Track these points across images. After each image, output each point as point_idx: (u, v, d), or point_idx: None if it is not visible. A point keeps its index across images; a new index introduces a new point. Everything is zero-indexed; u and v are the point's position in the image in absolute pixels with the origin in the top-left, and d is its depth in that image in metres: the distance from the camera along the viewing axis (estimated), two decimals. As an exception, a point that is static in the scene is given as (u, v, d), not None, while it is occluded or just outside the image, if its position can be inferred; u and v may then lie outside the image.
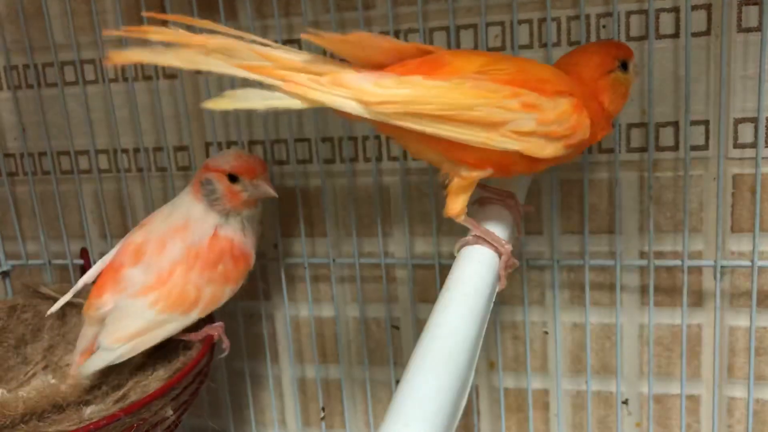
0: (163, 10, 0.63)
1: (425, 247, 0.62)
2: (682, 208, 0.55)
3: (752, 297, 0.53)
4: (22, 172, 0.72)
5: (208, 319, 0.56)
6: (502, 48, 0.57)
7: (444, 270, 0.59)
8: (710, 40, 0.52)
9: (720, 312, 0.56)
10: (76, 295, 0.56)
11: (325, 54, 0.48)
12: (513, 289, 0.61)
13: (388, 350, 0.65)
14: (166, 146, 0.65)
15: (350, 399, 0.68)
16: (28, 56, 0.67)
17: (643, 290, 0.58)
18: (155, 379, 0.52)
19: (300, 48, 0.61)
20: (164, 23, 0.63)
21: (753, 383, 0.55)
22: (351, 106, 0.38)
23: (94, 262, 0.69)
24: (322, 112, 0.61)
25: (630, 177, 0.56)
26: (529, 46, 0.56)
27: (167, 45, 0.39)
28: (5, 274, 0.72)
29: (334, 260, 0.64)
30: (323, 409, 0.70)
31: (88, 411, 0.49)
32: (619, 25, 0.53)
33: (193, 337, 0.55)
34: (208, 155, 0.66)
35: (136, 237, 0.54)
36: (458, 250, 0.41)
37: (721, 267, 0.54)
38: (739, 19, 0.52)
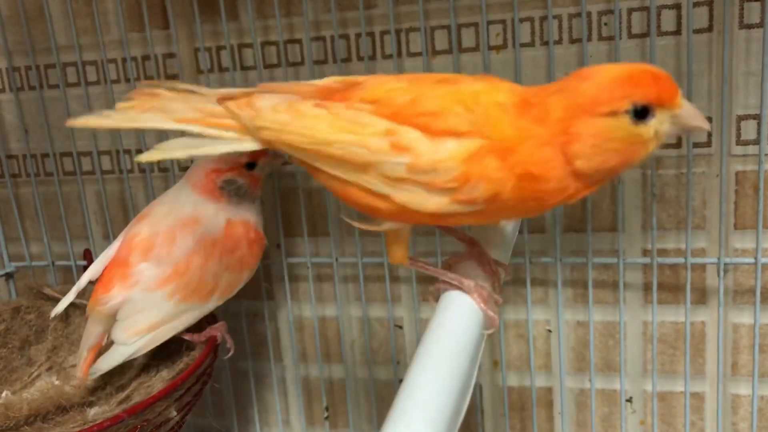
0: (164, 12, 0.63)
1: (427, 246, 0.62)
2: (685, 205, 0.55)
3: (756, 294, 0.53)
4: (25, 174, 0.72)
5: (210, 319, 0.56)
6: (504, 46, 0.57)
7: (447, 269, 0.59)
8: (712, 36, 0.52)
9: (723, 309, 0.56)
10: (79, 296, 0.56)
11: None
12: (516, 288, 0.61)
13: (391, 349, 0.65)
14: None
15: (354, 398, 0.68)
16: (30, 58, 0.67)
17: (647, 288, 0.58)
18: (159, 380, 0.52)
19: (302, 50, 0.61)
20: (166, 27, 0.63)
21: (757, 380, 0.55)
22: (248, 130, 0.37)
23: (98, 263, 0.69)
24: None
25: (633, 175, 0.56)
26: (531, 44, 0.56)
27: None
28: (9, 275, 0.72)
29: (337, 259, 0.64)
30: (327, 408, 0.70)
31: (92, 412, 0.49)
32: (620, 23, 0.53)
33: (196, 338, 0.55)
34: (210, 156, 0.66)
35: (139, 231, 0.53)
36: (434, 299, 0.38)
37: (725, 264, 0.54)
38: (741, 16, 0.52)
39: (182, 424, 0.52)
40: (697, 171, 0.55)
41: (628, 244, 0.58)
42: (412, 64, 0.58)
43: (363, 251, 0.63)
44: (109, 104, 0.66)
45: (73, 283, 0.69)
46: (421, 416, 0.29)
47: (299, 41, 0.61)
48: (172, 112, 0.39)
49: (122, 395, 0.51)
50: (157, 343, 0.51)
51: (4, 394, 0.56)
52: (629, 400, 0.61)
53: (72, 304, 0.62)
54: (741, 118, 0.53)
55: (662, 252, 0.57)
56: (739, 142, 0.54)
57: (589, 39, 0.54)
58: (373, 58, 0.59)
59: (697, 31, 0.52)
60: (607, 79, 0.31)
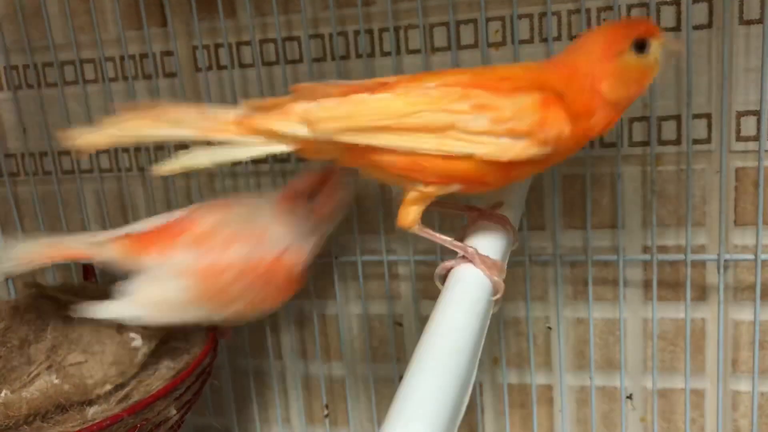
0: (162, 10, 0.63)
1: (427, 243, 0.62)
2: (685, 202, 0.55)
3: (756, 290, 0.53)
4: (23, 173, 0.72)
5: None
6: (503, 43, 0.56)
7: (446, 266, 0.59)
8: (712, 32, 0.52)
9: (724, 306, 0.56)
10: (77, 294, 0.56)
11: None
12: (516, 285, 0.61)
13: (391, 347, 0.65)
14: (167, 145, 0.65)
15: (354, 396, 0.68)
16: (27, 56, 0.66)
17: (647, 285, 0.58)
18: (158, 379, 0.52)
19: (300, 48, 0.61)
20: (164, 24, 0.63)
21: (757, 377, 0.55)
22: (299, 129, 0.39)
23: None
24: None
25: (632, 171, 0.56)
26: (530, 41, 0.56)
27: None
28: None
29: (336, 258, 0.63)
30: (327, 406, 0.70)
31: (92, 411, 0.49)
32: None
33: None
34: (209, 154, 0.66)
35: (206, 220, 0.52)
36: (438, 280, 0.41)
37: (725, 261, 0.54)
38: (741, 12, 0.51)
39: (182, 423, 0.52)
40: (697, 167, 0.55)
41: (628, 241, 0.57)
42: (410, 62, 0.58)
43: (362, 249, 0.63)
44: (107, 103, 0.66)
45: (73, 281, 0.69)
46: (420, 414, 0.29)
47: (297, 39, 0.61)
48: (186, 122, 0.41)
49: (121, 394, 0.51)
50: (149, 323, 0.50)
51: (3, 394, 0.55)
52: (629, 397, 0.61)
53: (71, 303, 0.62)
54: (741, 115, 0.53)
55: (662, 249, 0.57)
56: (739, 139, 0.54)
57: (589, 35, 0.54)
58: (371, 55, 0.59)
59: (697, 27, 0.52)
60: (608, 31, 0.41)
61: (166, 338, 0.58)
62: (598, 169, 0.57)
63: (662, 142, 0.55)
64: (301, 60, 0.61)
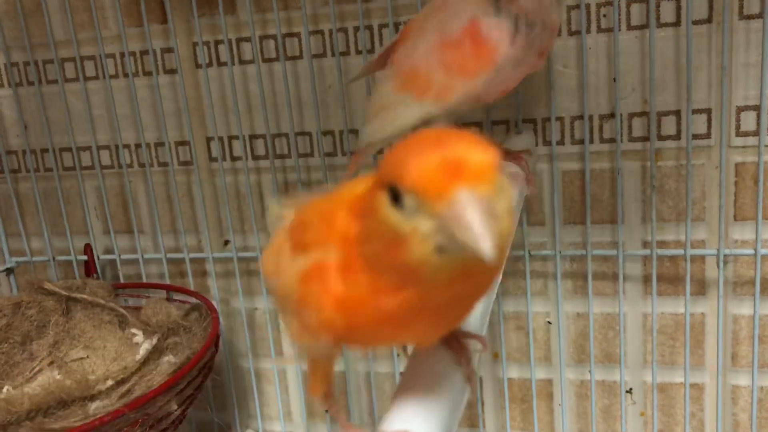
0: (162, 7, 0.63)
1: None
2: (685, 197, 0.55)
3: (755, 285, 0.53)
4: (24, 169, 0.72)
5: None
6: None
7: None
8: (712, 27, 0.52)
9: (723, 300, 0.56)
10: (78, 290, 0.57)
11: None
12: (516, 280, 0.61)
13: (391, 342, 0.65)
14: (167, 141, 0.65)
15: (355, 391, 0.69)
16: (28, 53, 0.67)
17: (646, 280, 0.58)
18: (160, 374, 0.52)
19: (300, 44, 0.61)
20: (164, 21, 0.63)
21: (757, 371, 0.55)
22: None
23: (98, 258, 0.69)
24: (324, 106, 0.61)
25: (632, 166, 0.56)
26: (530, 37, 0.56)
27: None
28: (10, 271, 0.73)
29: (336, 253, 0.63)
30: (328, 401, 0.70)
31: (93, 406, 0.49)
32: (619, 14, 0.53)
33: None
34: (209, 150, 0.66)
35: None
36: None
37: (724, 255, 0.54)
38: (741, 7, 0.51)
39: (183, 418, 0.53)
40: (697, 162, 0.55)
41: (628, 236, 0.58)
42: (410, 57, 0.58)
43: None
44: (108, 99, 0.66)
45: (74, 278, 0.69)
46: (420, 410, 0.29)
47: (297, 35, 0.61)
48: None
49: (123, 389, 0.51)
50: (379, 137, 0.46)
51: (5, 389, 0.56)
52: (629, 392, 0.62)
53: (72, 299, 0.63)
54: (741, 110, 0.53)
55: (662, 244, 0.57)
56: (738, 134, 0.54)
57: (588, 31, 0.54)
58: (371, 51, 0.59)
59: (697, 23, 0.52)
60: (385, 161, 0.25)
61: (167, 334, 0.58)
62: (598, 164, 0.57)
63: (662, 138, 0.55)
64: (301, 56, 0.61)
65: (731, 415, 0.59)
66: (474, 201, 0.22)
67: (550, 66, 0.55)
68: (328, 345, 0.28)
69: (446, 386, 0.31)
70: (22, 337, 0.62)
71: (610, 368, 0.61)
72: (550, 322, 0.62)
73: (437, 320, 0.27)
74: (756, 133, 0.53)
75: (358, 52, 0.59)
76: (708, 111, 0.54)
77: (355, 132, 0.61)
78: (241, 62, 0.63)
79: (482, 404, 0.65)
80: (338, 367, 0.68)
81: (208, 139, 0.66)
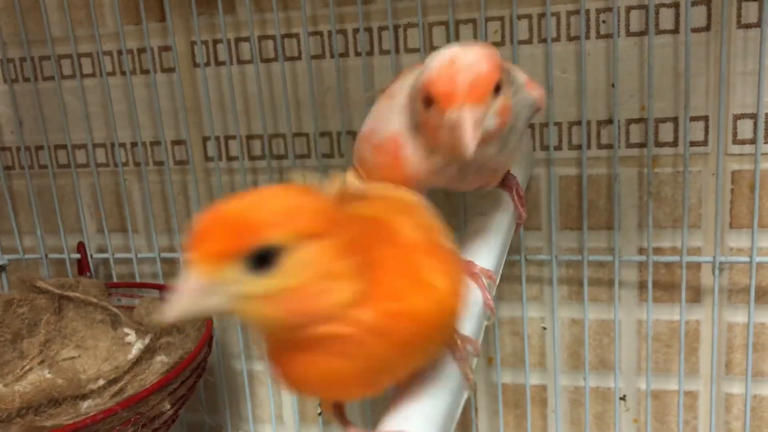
0: (161, 5, 0.62)
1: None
2: (681, 203, 0.55)
3: (750, 293, 0.53)
4: (18, 166, 0.72)
5: None
6: (502, 43, 0.56)
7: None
8: (710, 35, 0.52)
9: (718, 308, 0.56)
10: (71, 289, 0.56)
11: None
12: (512, 285, 0.61)
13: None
14: (163, 140, 0.65)
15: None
16: (24, 49, 0.66)
17: (642, 286, 0.58)
18: (152, 373, 0.52)
19: (299, 44, 0.60)
20: (162, 20, 0.63)
21: (750, 379, 0.55)
22: None
23: (91, 257, 0.69)
24: (322, 107, 0.61)
25: (629, 173, 0.56)
26: (529, 41, 0.56)
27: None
28: (1, 268, 0.72)
29: (332, 255, 0.63)
30: (320, 404, 0.70)
31: (85, 405, 0.49)
32: (619, 20, 0.53)
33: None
34: (205, 149, 0.66)
35: None
36: None
37: (720, 263, 0.54)
38: (739, 15, 0.52)
39: (175, 419, 0.52)
40: (694, 170, 0.55)
41: (624, 242, 0.58)
42: (409, 60, 0.58)
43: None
44: (104, 97, 0.65)
45: (67, 276, 0.69)
46: (418, 412, 0.29)
47: (296, 36, 0.60)
48: None
49: (115, 388, 0.50)
50: None
51: (-5, 387, 0.55)
52: (623, 398, 0.61)
53: (65, 297, 0.62)
54: (737, 117, 0.53)
55: (658, 250, 0.57)
56: (735, 141, 0.54)
57: (588, 37, 0.54)
58: (370, 53, 0.59)
59: (695, 30, 0.52)
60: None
61: (160, 333, 0.58)
62: (595, 170, 0.57)
63: (659, 144, 0.55)
64: (299, 57, 0.61)
65: (724, 423, 0.59)
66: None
67: (549, 71, 0.55)
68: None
69: (444, 387, 0.31)
70: (13, 335, 0.61)
71: (605, 375, 0.61)
72: (545, 328, 0.62)
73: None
74: (753, 141, 0.53)
75: (357, 54, 0.59)
76: (705, 118, 0.54)
77: (352, 133, 0.61)
78: (240, 62, 0.62)
79: (476, 409, 0.65)
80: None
81: (205, 139, 0.65)
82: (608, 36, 0.54)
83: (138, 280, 0.69)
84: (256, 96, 0.61)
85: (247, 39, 0.61)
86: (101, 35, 0.64)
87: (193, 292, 0.23)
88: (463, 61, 0.33)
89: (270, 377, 0.69)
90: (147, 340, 0.57)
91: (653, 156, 0.55)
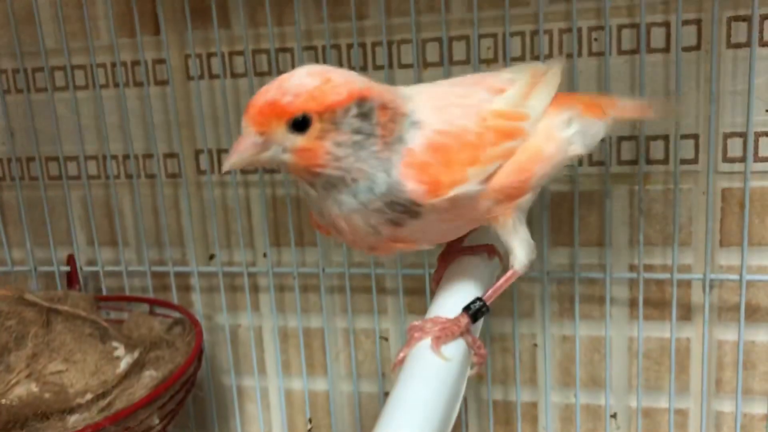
0: (155, 18, 0.63)
1: (415, 257, 0.62)
2: (672, 221, 0.55)
3: (740, 311, 0.54)
4: (9, 178, 0.71)
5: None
6: (495, 60, 0.57)
7: (434, 281, 0.59)
8: (700, 54, 0.53)
9: (709, 326, 0.56)
10: (60, 302, 0.56)
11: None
12: (503, 302, 0.61)
13: (376, 362, 0.65)
14: (156, 153, 0.65)
15: (338, 411, 0.68)
16: (18, 61, 0.66)
17: (633, 303, 0.58)
18: (141, 388, 0.51)
19: (293, 59, 0.61)
20: (157, 33, 0.63)
21: (741, 397, 0.55)
22: None
23: (81, 270, 0.69)
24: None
25: (620, 190, 0.57)
26: (521, 58, 0.56)
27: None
28: (-10, 280, 0.72)
29: (324, 270, 0.63)
30: (310, 420, 0.69)
31: (72, 419, 0.48)
32: (610, 39, 0.54)
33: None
34: (198, 163, 0.66)
35: None
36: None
37: (710, 280, 0.54)
38: (729, 35, 0.52)
39: (164, 434, 0.52)
40: (684, 187, 0.55)
41: (615, 260, 0.58)
42: (402, 76, 0.59)
43: (350, 262, 0.63)
44: (97, 109, 0.65)
45: (56, 289, 0.68)
46: (409, 424, 0.29)
47: (290, 50, 0.61)
48: None
49: (104, 402, 0.50)
50: None
51: (-19, 401, 0.55)
52: (614, 416, 0.61)
53: (53, 310, 0.61)
54: (727, 136, 0.54)
55: (648, 267, 0.57)
56: (725, 160, 0.54)
57: (579, 54, 0.55)
58: (364, 68, 0.59)
59: (686, 49, 0.53)
60: None
61: (149, 348, 0.58)
62: (587, 187, 0.57)
63: (650, 162, 0.55)
64: (293, 72, 0.61)
65: (715, 441, 0.59)
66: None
67: (541, 88, 0.55)
68: None
69: (441, 387, 0.31)
70: (0, 348, 0.60)
71: (595, 392, 0.61)
72: (536, 344, 0.62)
73: None
74: (742, 159, 0.54)
75: (351, 69, 0.60)
76: (696, 136, 0.54)
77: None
78: (233, 76, 0.63)
79: (466, 426, 0.65)
80: (323, 385, 0.68)
81: (197, 152, 0.65)
82: (600, 54, 0.55)
83: (128, 293, 0.69)
84: (249, 110, 0.61)
85: (241, 53, 0.62)
86: (95, 48, 0.64)
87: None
88: (277, 84, 0.33)
89: (260, 392, 0.68)
90: (136, 354, 0.57)
91: (644, 173, 0.55)
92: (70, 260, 0.68)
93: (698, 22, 0.53)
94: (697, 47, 0.53)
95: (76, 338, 0.61)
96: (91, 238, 0.68)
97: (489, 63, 0.57)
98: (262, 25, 0.61)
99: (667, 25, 0.53)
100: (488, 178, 0.35)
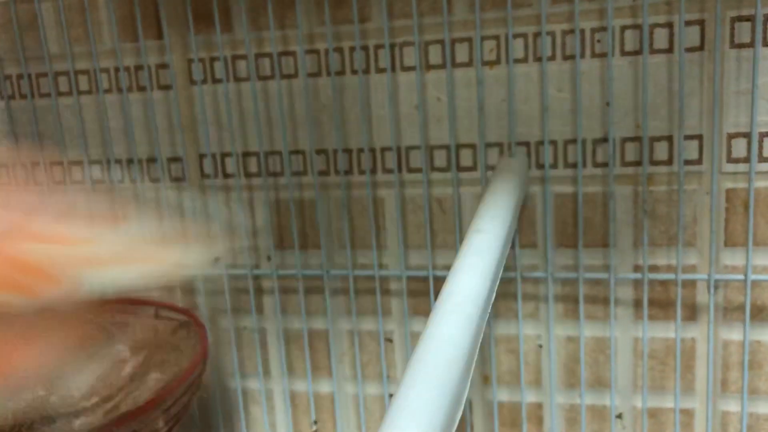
0: (158, 23, 0.63)
1: (419, 259, 0.62)
2: (676, 222, 0.55)
3: (746, 311, 0.54)
4: (14, 182, 0.71)
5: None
6: (497, 62, 0.57)
7: (438, 282, 0.59)
8: (703, 55, 0.53)
9: (714, 326, 0.56)
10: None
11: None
12: (507, 303, 0.61)
13: (381, 364, 0.65)
14: (159, 157, 0.65)
15: (343, 413, 0.68)
16: (21, 66, 0.66)
17: (637, 304, 0.58)
18: (146, 391, 0.51)
19: (295, 62, 0.61)
20: (160, 37, 0.63)
21: (747, 397, 0.55)
22: None
23: (86, 273, 0.69)
24: (318, 124, 0.61)
25: (624, 191, 0.57)
26: (524, 60, 0.56)
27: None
28: (-5, 285, 0.72)
29: (328, 272, 0.63)
30: (315, 422, 0.69)
31: (78, 423, 0.48)
32: (613, 40, 0.54)
33: None
34: (201, 167, 0.66)
35: None
36: None
37: (715, 281, 0.54)
38: (732, 35, 0.52)
39: (169, 437, 0.52)
40: (689, 188, 0.55)
41: (620, 260, 0.58)
42: (405, 78, 0.59)
43: (354, 264, 0.63)
44: (100, 114, 0.66)
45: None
46: (413, 426, 0.29)
47: (293, 53, 0.61)
48: None
49: (109, 405, 0.50)
50: None
51: (-12, 405, 0.55)
52: (619, 416, 0.61)
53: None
54: (731, 137, 0.54)
55: (653, 268, 0.57)
56: (729, 160, 0.54)
57: (582, 56, 0.55)
58: (367, 71, 0.59)
59: (689, 50, 0.53)
60: None
61: (154, 351, 0.58)
62: (591, 188, 0.57)
63: (654, 163, 0.55)
64: (296, 75, 0.61)
65: (721, 442, 0.59)
66: None
67: (545, 90, 0.55)
68: None
69: (445, 389, 0.31)
70: (6, 352, 0.61)
71: (601, 392, 0.61)
72: (541, 345, 0.62)
73: None
74: (746, 159, 0.53)
75: (354, 72, 0.60)
76: (699, 137, 0.54)
77: (348, 151, 0.61)
78: (236, 79, 0.63)
79: (471, 427, 0.65)
80: (328, 387, 0.68)
81: (201, 156, 0.65)
82: (603, 55, 0.55)
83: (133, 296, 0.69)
84: (252, 113, 0.61)
85: (244, 57, 0.62)
86: (98, 52, 0.65)
87: None
88: None
89: (264, 395, 0.68)
90: (141, 357, 0.57)
91: (648, 174, 0.55)
92: (75, 264, 0.68)
93: (701, 23, 0.52)
94: (701, 48, 0.53)
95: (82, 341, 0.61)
96: (96, 242, 0.68)
97: (492, 65, 0.57)
98: (264, 29, 0.61)
99: (670, 25, 0.53)
100: None
